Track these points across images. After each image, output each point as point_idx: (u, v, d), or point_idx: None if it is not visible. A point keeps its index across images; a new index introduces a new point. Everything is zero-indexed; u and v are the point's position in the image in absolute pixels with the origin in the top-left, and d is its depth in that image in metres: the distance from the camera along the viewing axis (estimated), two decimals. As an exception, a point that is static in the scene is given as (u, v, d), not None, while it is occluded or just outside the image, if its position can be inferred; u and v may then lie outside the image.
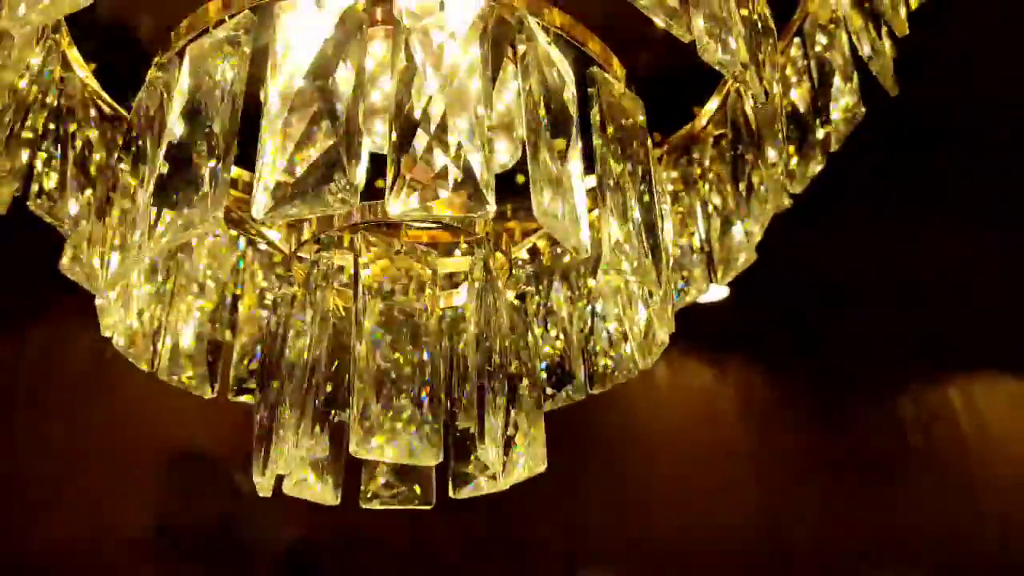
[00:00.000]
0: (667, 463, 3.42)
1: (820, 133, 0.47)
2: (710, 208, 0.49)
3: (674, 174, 0.55)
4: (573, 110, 0.32)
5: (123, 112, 0.44)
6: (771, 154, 0.42)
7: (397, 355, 0.36)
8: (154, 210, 0.30)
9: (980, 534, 3.69)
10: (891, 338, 3.92)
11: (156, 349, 0.44)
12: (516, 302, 0.44)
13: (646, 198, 0.35)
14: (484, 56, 0.31)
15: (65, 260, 0.46)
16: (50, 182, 0.45)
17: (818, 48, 0.49)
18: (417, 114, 0.30)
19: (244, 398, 0.49)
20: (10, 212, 0.45)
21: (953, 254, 2.90)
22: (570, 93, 0.32)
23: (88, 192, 0.46)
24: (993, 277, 3.06)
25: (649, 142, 0.37)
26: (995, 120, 1.99)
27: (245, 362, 0.48)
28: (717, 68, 0.31)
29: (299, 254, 0.40)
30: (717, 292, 3.40)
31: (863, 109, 0.46)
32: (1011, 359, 4.20)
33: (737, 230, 0.46)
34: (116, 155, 0.40)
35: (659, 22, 0.30)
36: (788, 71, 0.51)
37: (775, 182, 0.43)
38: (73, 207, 0.44)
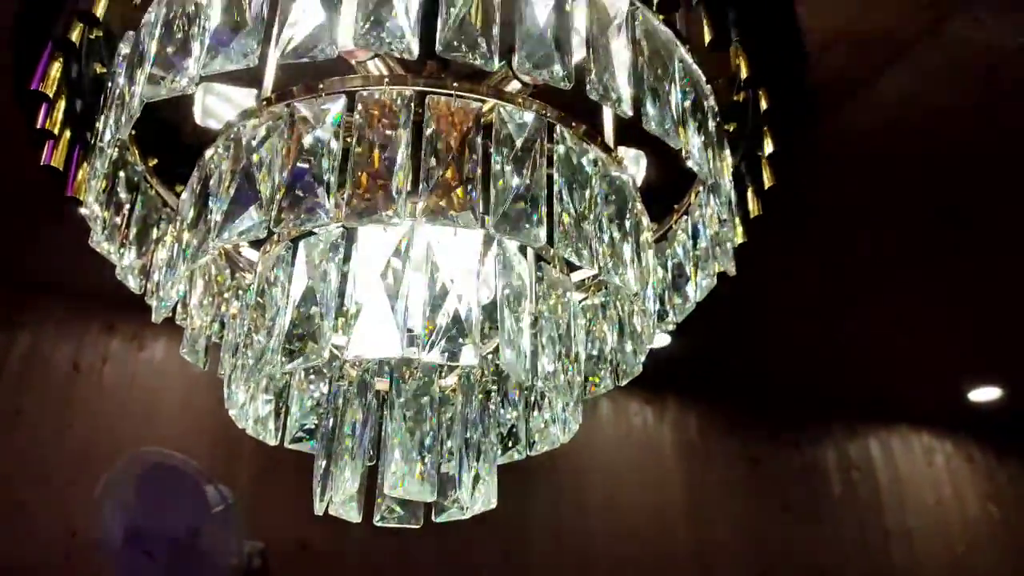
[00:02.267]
0: (606, 493, 3.65)
1: (691, 288, 0.72)
2: (614, 332, 0.74)
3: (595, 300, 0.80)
4: (529, 301, 0.57)
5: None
6: (649, 306, 0.66)
7: (413, 426, 0.60)
8: (283, 351, 0.53)
9: (891, 574, 3.99)
10: (817, 390, 4.21)
11: (247, 414, 0.67)
12: (483, 395, 0.68)
13: (570, 347, 0.60)
14: (481, 262, 0.56)
15: (185, 349, 0.69)
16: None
17: (689, 236, 0.74)
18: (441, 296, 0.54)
19: (297, 446, 0.71)
20: None
21: (877, 318, 3.22)
22: (529, 295, 0.57)
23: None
24: (913, 340, 3.39)
25: (574, 311, 0.62)
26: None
27: (297, 423, 0.71)
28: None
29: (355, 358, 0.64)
30: (659, 340, 3.63)
31: (715, 280, 0.71)
32: (927, 415, 4.53)
33: (629, 349, 0.70)
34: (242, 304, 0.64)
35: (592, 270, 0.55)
36: (675, 242, 0.76)
37: (650, 327, 0.68)
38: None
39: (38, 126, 0.60)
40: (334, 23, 0.53)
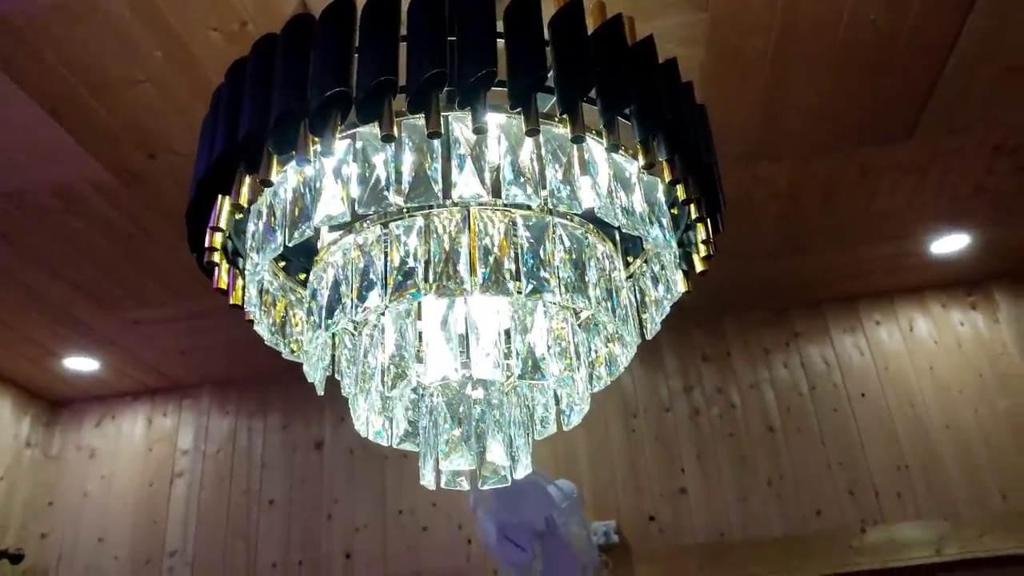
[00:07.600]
0: (943, 408, 3.51)
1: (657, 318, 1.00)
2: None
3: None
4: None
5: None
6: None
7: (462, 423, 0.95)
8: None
9: None
10: None
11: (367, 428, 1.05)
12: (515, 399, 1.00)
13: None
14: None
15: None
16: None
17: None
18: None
19: (405, 446, 1.06)
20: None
21: None
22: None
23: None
24: None
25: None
26: None
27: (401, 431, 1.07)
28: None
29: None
30: (956, 242, 3.43)
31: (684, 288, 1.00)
32: None
33: (618, 352, 1.00)
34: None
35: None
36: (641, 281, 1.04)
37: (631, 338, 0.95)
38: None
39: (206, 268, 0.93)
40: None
